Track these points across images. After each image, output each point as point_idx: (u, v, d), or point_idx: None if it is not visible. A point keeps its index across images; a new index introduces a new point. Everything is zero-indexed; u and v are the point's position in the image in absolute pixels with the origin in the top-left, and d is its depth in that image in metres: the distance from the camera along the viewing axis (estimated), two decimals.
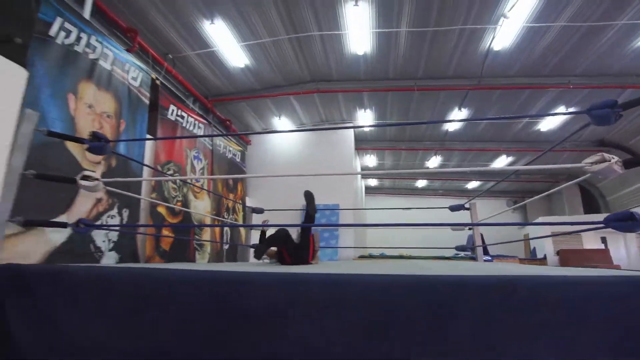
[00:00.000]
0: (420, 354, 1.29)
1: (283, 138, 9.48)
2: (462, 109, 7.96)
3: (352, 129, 9.58)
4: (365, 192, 15.38)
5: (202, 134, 6.76)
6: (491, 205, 12.70)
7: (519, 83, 6.68)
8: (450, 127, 9.12)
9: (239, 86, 7.39)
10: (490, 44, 5.67)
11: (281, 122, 9.15)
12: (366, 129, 9.71)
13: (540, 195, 4.64)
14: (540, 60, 6.15)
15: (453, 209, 5.75)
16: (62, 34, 3.79)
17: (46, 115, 3.46)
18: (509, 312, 1.49)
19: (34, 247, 3.19)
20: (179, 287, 1.41)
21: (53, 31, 3.67)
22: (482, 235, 6.95)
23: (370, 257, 8.57)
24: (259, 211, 6.12)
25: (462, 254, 7.79)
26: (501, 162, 11.49)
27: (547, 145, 9.12)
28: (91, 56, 4.16)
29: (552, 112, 7.81)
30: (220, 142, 7.65)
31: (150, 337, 1.33)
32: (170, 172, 5.67)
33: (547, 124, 8.55)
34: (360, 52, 6.13)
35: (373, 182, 15.56)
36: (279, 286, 1.33)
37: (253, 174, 9.29)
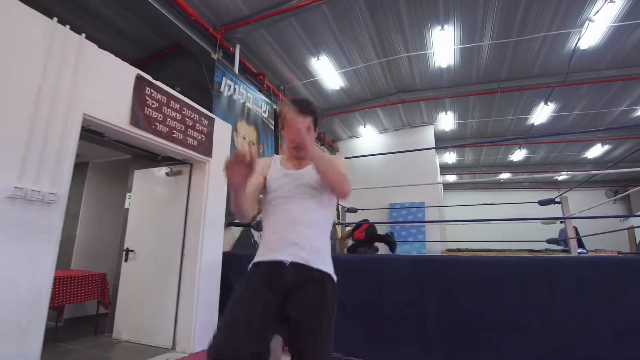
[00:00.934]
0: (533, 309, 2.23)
1: (368, 142, 10.43)
2: (549, 104, 8.06)
3: (433, 129, 10.08)
4: (444, 188, 15.54)
5: None
6: (587, 197, 12.04)
7: (609, 76, 6.68)
8: (537, 120, 9.15)
9: (332, 103, 8.57)
10: (576, 44, 5.92)
11: (366, 129, 10.13)
12: (447, 129, 10.15)
13: None
14: (632, 52, 6.14)
15: (542, 203, 6.15)
16: (226, 88, 5.28)
17: None
18: (595, 282, 2.32)
19: (227, 239, 4.68)
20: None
21: (222, 88, 5.17)
22: (576, 228, 7.16)
23: (459, 250, 9.07)
24: (353, 210, 7.18)
25: (553, 247, 7.88)
26: (596, 151, 10.95)
27: None
28: (241, 101, 5.63)
29: None
30: None
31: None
32: None
33: None
34: (444, 65, 6.81)
35: (452, 178, 15.66)
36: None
37: None
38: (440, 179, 13.49)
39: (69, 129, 2.31)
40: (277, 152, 6.60)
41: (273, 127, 6.54)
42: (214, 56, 5.17)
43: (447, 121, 9.58)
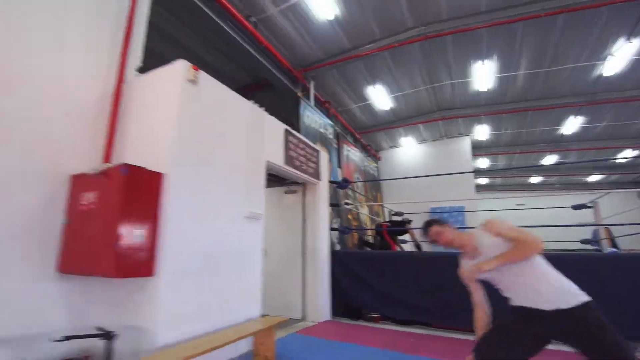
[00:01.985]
0: None
1: (407, 151, 11.55)
2: (577, 117, 8.96)
3: (469, 139, 11.05)
4: (477, 190, 16.36)
5: (356, 159, 9.36)
6: (619, 198, 12.63)
7: (631, 96, 7.57)
8: (566, 130, 10.00)
9: (380, 120, 9.80)
10: (601, 72, 6.88)
11: (407, 140, 11.27)
12: (482, 139, 11.14)
13: None
14: None
15: (576, 208, 7.13)
16: (306, 118, 6.62)
17: None
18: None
19: None
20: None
21: (304, 117, 6.51)
22: (609, 229, 8.05)
23: None
24: (400, 214, 8.33)
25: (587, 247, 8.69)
26: (626, 155, 11.61)
27: None
28: (315, 127, 6.96)
29: None
30: (366, 163, 10.19)
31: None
32: (349, 190, 8.33)
33: None
34: (483, 89, 7.89)
35: (484, 181, 16.47)
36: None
37: (385, 183, 11.57)
38: (473, 183, 14.41)
39: (261, 171, 3.67)
40: (339, 166, 7.90)
41: (336, 146, 7.85)
42: (300, 94, 6.51)
43: (482, 132, 10.58)
